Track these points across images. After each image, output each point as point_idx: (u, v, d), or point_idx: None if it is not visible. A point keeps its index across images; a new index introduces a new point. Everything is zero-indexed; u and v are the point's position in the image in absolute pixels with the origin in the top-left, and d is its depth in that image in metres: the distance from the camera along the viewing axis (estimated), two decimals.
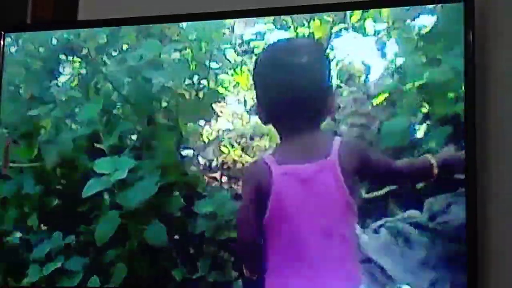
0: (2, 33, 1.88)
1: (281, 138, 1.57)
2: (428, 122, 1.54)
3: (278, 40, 1.64)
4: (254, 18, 1.69)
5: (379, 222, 1.53)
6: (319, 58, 1.60)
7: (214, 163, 1.68)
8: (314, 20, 1.64)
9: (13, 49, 1.88)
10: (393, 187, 1.53)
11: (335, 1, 1.64)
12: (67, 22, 1.97)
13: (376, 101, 1.59)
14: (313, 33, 1.64)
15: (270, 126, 1.60)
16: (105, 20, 1.82)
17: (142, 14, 1.79)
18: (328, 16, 1.64)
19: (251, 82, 1.63)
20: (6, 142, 1.82)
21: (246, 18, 1.69)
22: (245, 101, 1.66)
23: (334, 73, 1.60)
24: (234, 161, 1.66)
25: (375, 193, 1.54)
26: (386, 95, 1.58)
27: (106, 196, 1.71)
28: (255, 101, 1.62)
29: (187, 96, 1.72)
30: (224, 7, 1.72)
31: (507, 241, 1.56)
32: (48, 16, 2.03)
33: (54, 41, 1.86)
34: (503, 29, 1.64)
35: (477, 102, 1.52)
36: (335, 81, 1.60)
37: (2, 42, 1.87)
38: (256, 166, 1.58)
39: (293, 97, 1.53)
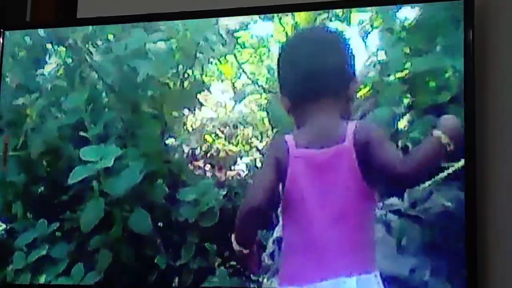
0: (2, 31, 1.88)
1: (300, 122, 1.56)
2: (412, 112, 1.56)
3: (301, 31, 1.65)
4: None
5: None
6: (338, 46, 1.60)
7: (197, 152, 1.69)
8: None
9: None
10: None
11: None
12: (66, 21, 1.97)
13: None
14: (297, 23, 1.66)
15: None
16: (105, 18, 1.82)
17: (142, 12, 1.81)
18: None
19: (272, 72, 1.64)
20: (4, 140, 1.83)
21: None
22: (233, 88, 1.68)
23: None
24: (218, 150, 1.68)
25: None
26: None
27: (91, 184, 1.72)
28: (279, 89, 1.61)
29: (171, 86, 1.73)
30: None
31: (507, 240, 1.56)
32: (47, 15, 2.04)
33: (40, 31, 1.86)
34: (503, 28, 1.64)
35: (476, 101, 1.52)
36: None
37: (1, 40, 1.88)
38: (276, 143, 1.58)
39: (312, 83, 1.54)
